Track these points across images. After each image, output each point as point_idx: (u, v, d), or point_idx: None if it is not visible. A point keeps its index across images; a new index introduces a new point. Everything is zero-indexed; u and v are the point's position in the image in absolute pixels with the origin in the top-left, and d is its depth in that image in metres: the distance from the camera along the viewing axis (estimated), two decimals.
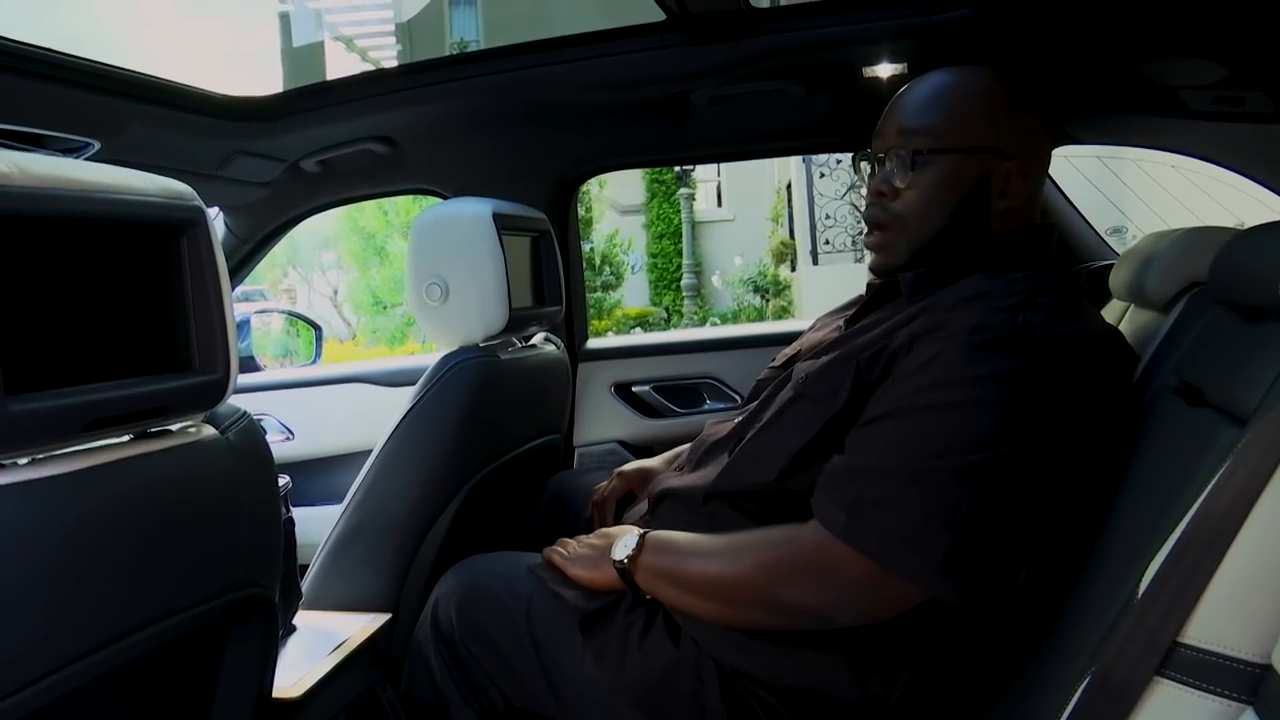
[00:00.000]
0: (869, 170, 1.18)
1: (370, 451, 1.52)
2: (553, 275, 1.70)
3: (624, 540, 1.14)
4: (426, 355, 2.67)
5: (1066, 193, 2.02)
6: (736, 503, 1.12)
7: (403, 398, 1.52)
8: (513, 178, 1.98)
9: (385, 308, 10.25)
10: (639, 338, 6.30)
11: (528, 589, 1.20)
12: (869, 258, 1.20)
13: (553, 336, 1.84)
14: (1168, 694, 0.73)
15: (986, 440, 0.95)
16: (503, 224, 1.49)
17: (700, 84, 1.70)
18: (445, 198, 2.04)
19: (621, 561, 1.12)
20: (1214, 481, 0.76)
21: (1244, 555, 0.71)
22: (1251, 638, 0.69)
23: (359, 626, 1.40)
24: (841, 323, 1.25)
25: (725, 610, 1.07)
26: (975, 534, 0.95)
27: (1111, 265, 1.59)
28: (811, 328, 1.38)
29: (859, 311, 1.22)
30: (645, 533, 1.14)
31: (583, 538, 1.22)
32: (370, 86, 1.79)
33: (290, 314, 2.75)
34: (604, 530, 1.22)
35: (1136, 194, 5.61)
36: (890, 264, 1.16)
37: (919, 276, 1.12)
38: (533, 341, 1.75)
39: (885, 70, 1.60)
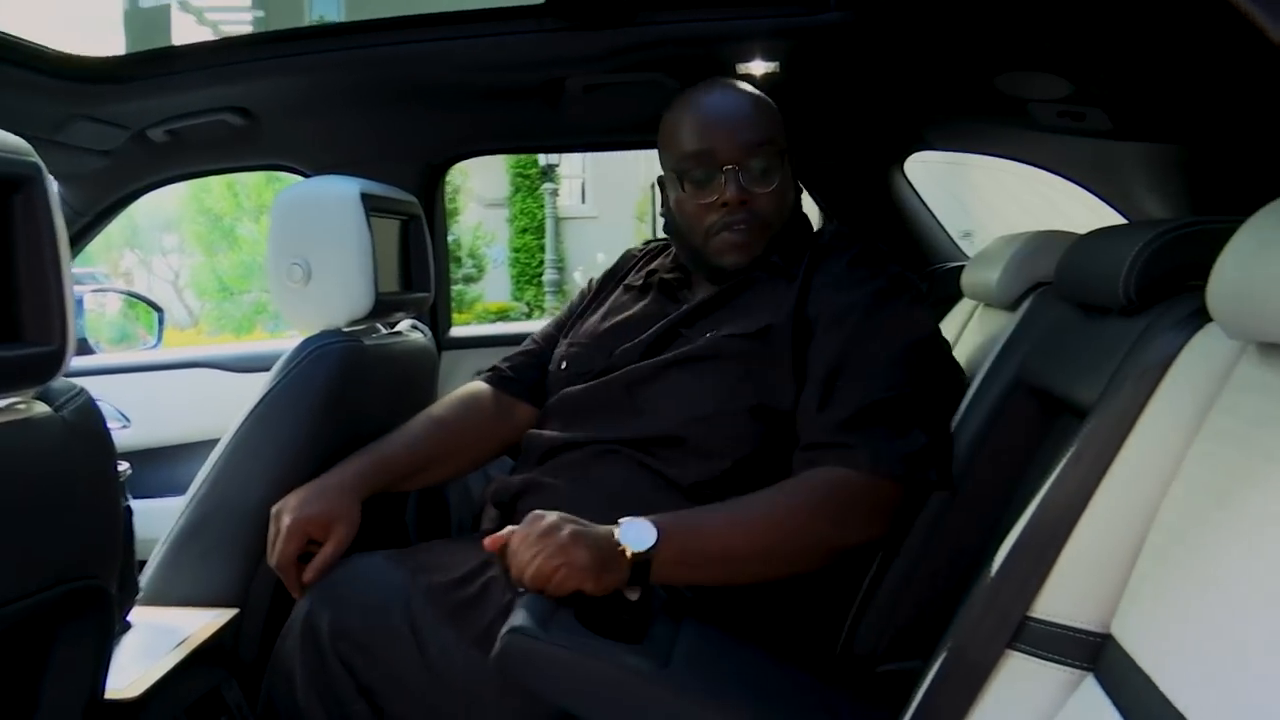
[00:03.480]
0: (700, 183, 1.27)
1: (217, 441, 1.44)
2: (422, 261, 1.65)
3: (630, 532, 1.01)
4: (279, 341, 2.56)
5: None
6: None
7: (252, 384, 1.45)
8: (379, 157, 1.91)
9: (232, 294, 9.79)
10: (504, 326, 6.22)
11: (403, 580, 1.16)
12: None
13: (420, 324, 1.79)
14: (1018, 666, 0.77)
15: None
16: (371, 205, 1.44)
17: (576, 71, 1.69)
18: (305, 175, 1.97)
19: (645, 554, 1.00)
20: (1060, 467, 0.81)
21: (1087, 535, 0.75)
22: (1093, 610, 0.74)
23: (203, 623, 1.33)
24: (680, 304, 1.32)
25: (762, 569, 1.10)
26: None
27: (963, 266, 1.68)
28: (590, 307, 1.45)
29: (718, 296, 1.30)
30: (655, 521, 1.02)
31: (529, 534, 1.01)
32: (229, 54, 1.70)
33: (129, 294, 2.59)
34: (548, 521, 1.01)
35: (981, 199, 5.93)
36: (748, 259, 1.27)
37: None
38: (398, 328, 1.70)
39: (758, 68, 1.63)
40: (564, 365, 1.36)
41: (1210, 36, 1.22)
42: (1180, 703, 0.58)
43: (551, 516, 1.02)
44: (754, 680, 1.05)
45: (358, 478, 1.29)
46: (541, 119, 1.88)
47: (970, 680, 0.79)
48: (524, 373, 1.45)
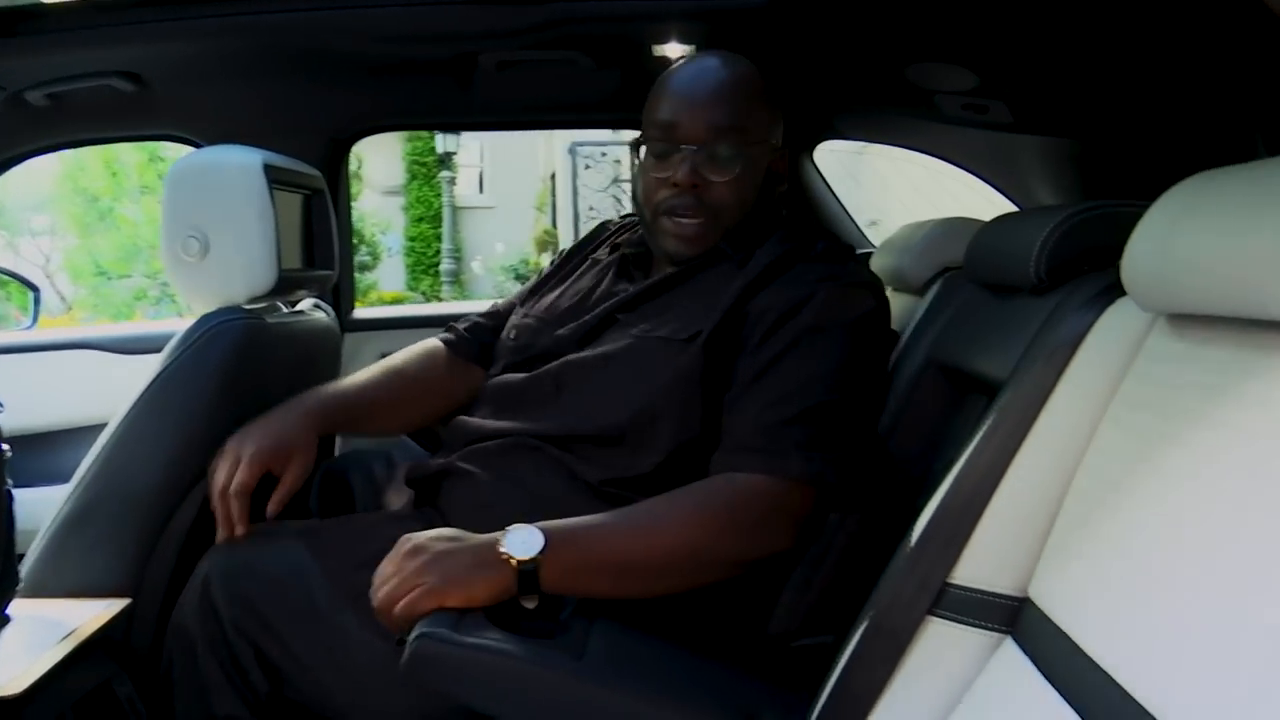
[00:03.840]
0: (660, 156, 1.21)
1: (103, 426, 1.37)
2: (326, 238, 1.60)
3: (516, 539, 0.97)
4: (169, 321, 2.45)
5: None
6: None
7: (141, 366, 1.38)
8: (280, 130, 1.83)
9: (110, 279, 9.31)
10: (409, 308, 6.06)
11: (305, 558, 1.13)
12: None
13: (323, 303, 1.73)
14: (938, 631, 0.79)
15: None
16: (274, 176, 1.39)
17: (489, 46, 1.65)
18: (198, 147, 1.87)
19: (531, 561, 0.96)
20: (976, 438, 0.83)
21: (1005, 502, 0.78)
22: (1011, 574, 0.76)
23: (92, 615, 1.25)
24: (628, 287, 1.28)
25: (660, 582, 1.04)
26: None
27: (870, 253, 1.72)
28: (546, 285, 1.39)
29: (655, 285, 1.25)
30: (544, 527, 0.99)
31: (392, 558, 0.99)
32: (119, 13, 1.59)
33: (1, 271, 2.43)
34: (413, 543, 0.99)
35: (886, 189, 6.09)
36: (696, 251, 1.21)
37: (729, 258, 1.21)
38: (300, 307, 1.64)
39: (674, 50, 1.63)
40: (512, 335, 1.33)
41: (1107, 37, 1.28)
42: (1098, 656, 0.60)
43: (420, 538, 0.99)
44: (669, 670, 1.04)
45: (316, 412, 1.26)
46: (453, 95, 1.83)
47: (891, 648, 0.80)
48: (480, 336, 1.42)
